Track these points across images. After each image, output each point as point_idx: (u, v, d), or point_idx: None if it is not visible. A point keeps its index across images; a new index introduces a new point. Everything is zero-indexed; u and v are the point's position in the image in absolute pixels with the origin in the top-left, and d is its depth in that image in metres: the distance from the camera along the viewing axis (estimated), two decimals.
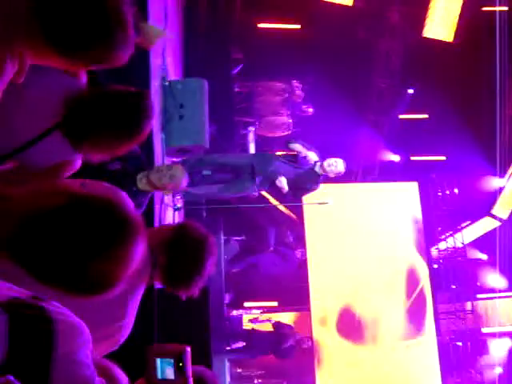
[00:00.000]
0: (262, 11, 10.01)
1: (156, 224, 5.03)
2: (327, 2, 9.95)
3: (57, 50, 1.58)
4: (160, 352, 1.51)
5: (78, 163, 2.12)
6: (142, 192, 4.17)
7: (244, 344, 8.07)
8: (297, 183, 5.84)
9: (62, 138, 1.96)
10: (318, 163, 5.83)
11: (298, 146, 5.91)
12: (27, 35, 1.56)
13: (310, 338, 8.18)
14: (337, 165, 5.80)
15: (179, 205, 5.85)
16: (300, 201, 6.55)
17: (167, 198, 5.44)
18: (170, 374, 1.49)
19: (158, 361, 1.48)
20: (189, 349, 1.52)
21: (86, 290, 1.24)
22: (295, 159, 5.92)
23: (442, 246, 11.04)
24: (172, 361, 1.48)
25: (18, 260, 1.18)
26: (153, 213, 4.84)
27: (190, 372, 1.51)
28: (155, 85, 5.29)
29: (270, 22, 10.30)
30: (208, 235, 2.01)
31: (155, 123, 5.17)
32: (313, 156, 5.83)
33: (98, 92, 1.97)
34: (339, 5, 9.97)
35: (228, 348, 7.98)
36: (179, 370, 1.49)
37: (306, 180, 5.88)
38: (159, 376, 1.48)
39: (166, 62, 5.71)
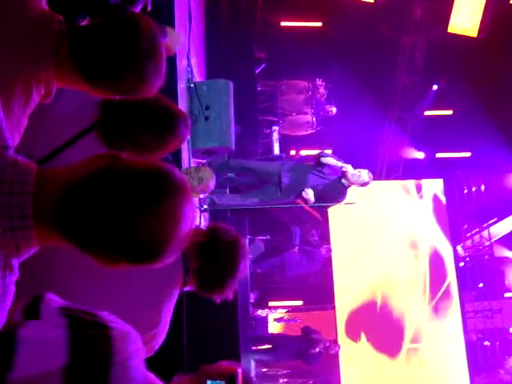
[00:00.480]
0: (283, 9, 9.98)
1: None
2: (352, 2, 9.88)
3: (85, 78, 1.58)
4: (210, 373, 1.48)
5: None
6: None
7: (270, 346, 8.05)
8: (323, 195, 5.81)
9: (97, 140, 1.95)
10: (346, 176, 5.77)
11: (331, 160, 5.87)
12: (56, 61, 1.56)
13: (337, 343, 8.11)
14: (360, 174, 5.75)
15: (205, 206, 5.85)
16: (326, 211, 6.49)
17: (194, 200, 5.44)
18: None
19: (209, 383, 1.45)
20: (240, 370, 1.49)
21: (137, 254, 1.17)
22: (321, 170, 5.88)
23: (469, 243, 10.91)
24: (223, 383, 1.45)
25: (64, 229, 1.14)
26: None
27: None
28: (181, 87, 5.29)
29: (291, 20, 10.26)
30: (239, 237, 1.98)
31: None
32: (350, 168, 5.78)
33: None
34: (361, 1, 9.90)
35: (254, 348, 7.96)
36: None
37: (333, 191, 5.85)
38: None
39: (191, 63, 5.71)
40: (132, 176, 1.17)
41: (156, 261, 1.20)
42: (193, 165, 5.52)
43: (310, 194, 5.67)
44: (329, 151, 8.94)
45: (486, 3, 9.62)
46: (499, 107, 10.35)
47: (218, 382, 1.47)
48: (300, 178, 5.84)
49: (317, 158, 5.97)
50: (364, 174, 5.79)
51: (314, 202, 5.74)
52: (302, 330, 7.92)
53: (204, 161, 5.88)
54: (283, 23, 10.22)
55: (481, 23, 9.67)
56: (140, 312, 1.78)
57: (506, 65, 9.96)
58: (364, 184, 5.82)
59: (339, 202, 5.97)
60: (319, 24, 10.22)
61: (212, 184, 4.41)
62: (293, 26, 10.22)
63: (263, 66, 8.86)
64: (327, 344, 7.59)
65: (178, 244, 1.20)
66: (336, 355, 8.90)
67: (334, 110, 8.84)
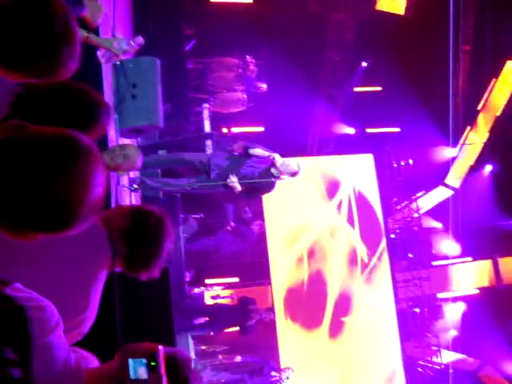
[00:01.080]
0: None
1: (113, 205, 4.97)
2: None
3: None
4: (132, 352, 1.51)
5: None
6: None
7: (207, 319, 8.12)
8: (253, 185, 5.81)
9: None
10: (275, 165, 5.78)
11: (259, 151, 5.86)
12: None
13: (272, 310, 8.27)
14: (289, 164, 5.78)
15: (136, 185, 5.79)
16: (253, 201, 6.50)
17: (123, 179, 5.38)
18: (142, 374, 1.48)
19: (131, 361, 1.47)
20: (162, 348, 1.52)
21: (49, 222, 1.15)
22: (250, 160, 5.87)
23: (399, 216, 11.29)
24: (145, 360, 1.48)
25: None
26: (109, 195, 4.78)
27: (163, 371, 1.50)
28: (107, 65, 5.17)
29: None
30: (163, 216, 1.98)
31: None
32: (277, 157, 5.78)
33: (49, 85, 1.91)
34: None
35: (191, 324, 8.01)
36: (152, 370, 1.48)
37: (262, 181, 5.85)
38: (132, 376, 1.48)
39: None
40: (38, 143, 1.14)
41: (68, 228, 1.19)
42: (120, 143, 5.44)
43: (233, 180, 5.66)
44: (261, 128, 9.01)
45: None
46: (426, 84, 10.67)
47: (139, 359, 1.49)
48: (228, 168, 5.83)
49: (244, 149, 5.95)
50: (293, 163, 5.82)
51: (242, 192, 5.75)
52: (238, 300, 8.02)
53: (133, 139, 5.81)
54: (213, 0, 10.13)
55: (407, 1, 9.90)
56: (68, 297, 1.75)
57: (431, 42, 10.25)
58: (294, 174, 5.85)
59: (269, 191, 6.02)
60: (250, 0, 10.19)
61: (139, 161, 4.36)
62: (223, 2, 10.15)
63: (193, 43, 8.76)
64: (263, 314, 7.73)
65: (89, 210, 1.19)
66: (273, 328, 9.09)
67: (265, 86, 8.88)
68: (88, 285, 1.82)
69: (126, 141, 5.71)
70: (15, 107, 1.85)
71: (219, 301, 8.82)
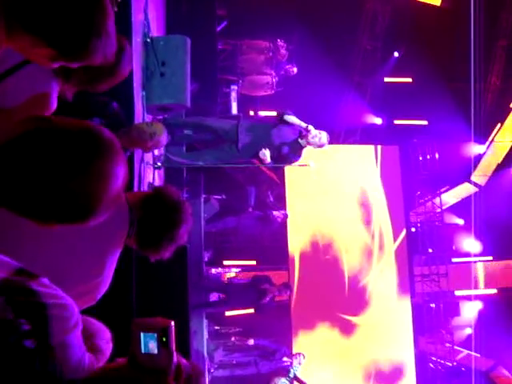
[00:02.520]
0: None
1: (136, 182, 5.01)
2: None
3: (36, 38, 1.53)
4: (144, 326, 1.51)
5: (54, 104, 2.05)
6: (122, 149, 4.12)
7: (222, 297, 8.18)
8: (279, 153, 5.81)
9: (37, 71, 1.85)
10: (306, 136, 5.76)
11: (293, 118, 5.84)
12: (6, 25, 1.50)
13: (289, 287, 8.27)
14: (321, 136, 5.77)
15: (159, 163, 5.82)
16: (282, 172, 6.49)
17: (147, 156, 5.41)
18: (153, 348, 1.47)
19: (142, 335, 1.48)
20: (173, 323, 1.52)
21: (69, 215, 1.18)
22: (280, 129, 5.85)
23: (421, 209, 11.19)
24: (155, 335, 1.48)
25: None
26: (132, 171, 4.81)
27: (173, 347, 1.51)
28: (137, 40, 5.18)
29: None
30: (184, 202, 1.99)
31: (136, 80, 5.09)
32: (312, 128, 5.76)
33: None
34: None
35: (206, 301, 8.08)
36: (163, 345, 1.48)
37: (289, 150, 5.85)
38: (143, 350, 1.48)
39: (148, 17, 5.58)
40: (65, 136, 1.16)
41: (88, 220, 1.22)
42: (147, 120, 5.47)
43: (266, 154, 5.67)
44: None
45: None
46: (457, 78, 10.48)
47: (151, 334, 1.50)
48: (257, 137, 5.83)
49: (280, 115, 5.92)
50: (324, 136, 5.80)
51: (270, 162, 5.77)
52: (252, 279, 8.05)
53: (160, 117, 5.82)
54: None
55: None
56: (86, 261, 1.79)
57: (466, 36, 10.05)
58: (321, 145, 5.83)
59: (294, 162, 6.01)
60: None
61: (164, 139, 4.38)
62: None
63: (224, 23, 8.72)
64: (276, 293, 7.75)
65: (108, 203, 1.22)
66: (288, 313, 9.12)
67: (295, 69, 8.80)
68: (106, 250, 1.84)
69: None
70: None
71: (234, 279, 8.87)
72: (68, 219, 1.20)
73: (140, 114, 5.28)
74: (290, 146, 5.86)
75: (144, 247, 1.93)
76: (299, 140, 5.80)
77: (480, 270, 11.72)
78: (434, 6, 9.92)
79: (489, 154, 11.77)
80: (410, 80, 10.83)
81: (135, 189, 4.93)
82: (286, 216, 8.73)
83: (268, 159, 5.72)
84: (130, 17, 4.80)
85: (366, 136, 10.57)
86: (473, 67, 10.22)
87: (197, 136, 6.38)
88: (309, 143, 5.78)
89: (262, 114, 9.40)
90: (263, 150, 5.68)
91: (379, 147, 10.36)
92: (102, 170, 1.18)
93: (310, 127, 5.73)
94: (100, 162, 1.18)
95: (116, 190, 1.22)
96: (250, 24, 9.02)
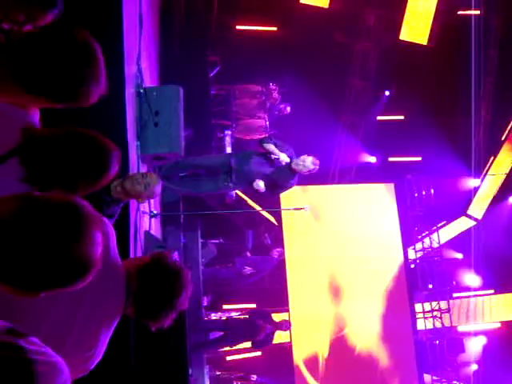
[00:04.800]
0: (239, 13, 10.02)
1: (132, 231, 5.02)
2: (304, 4, 10.01)
3: (22, 87, 1.59)
4: None
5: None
6: (115, 201, 4.15)
7: (219, 334, 8.09)
8: (273, 180, 5.90)
9: (17, 168, 1.81)
10: (292, 162, 5.88)
11: (271, 147, 5.95)
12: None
13: (288, 322, 8.19)
14: (304, 163, 5.82)
15: (155, 211, 5.85)
16: (277, 198, 6.61)
17: (143, 205, 5.43)
18: None
19: None
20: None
21: (59, 281, 1.27)
22: (269, 155, 5.98)
23: (419, 246, 11.18)
24: None
25: None
26: (128, 221, 4.83)
27: None
28: (130, 92, 5.27)
29: (247, 24, 10.32)
30: (183, 268, 1.92)
31: (130, 130, 5.16)
32: (284, 158, 5.89)
33: (61, 132, 1.86)
34: (316, 7, 10.04)
35: (204, 341, 7.99)
36: None
37: (282, 177, 5.94)
38: None
39: (141, 68, 5.69)
40: (49, 213, 1.24)
41: (76, 285, 1.30)
42: (142, 170, 5.51)
43: (260, 184, 5.76)
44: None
45: (435, 13, 9.90)
46: (448, 113, 10.64)
47: None
48: (250, 166, 5.94)
49: (260, 143, 6.07)
50: (308, 161, 5.84)
51: (267, 189, 5.84)
52: (249, 314, 7.99)
53: (156, 165, 5.88)
54: (238, 27, 10.27)
55: (430, 31, 9.93)
56: (81, 333, 1.76)
57: (454, 72, 10.24)
58: (310, 171, 5.88)
59: (289, 187, 6.09)
60: (274, 28, 10.32)
61: (158, 189, 4.41)
62: (248, 29, 10.28)
63: (217, 69, 8.88)
64: (274, 329, 7.68)
65: (95, 266, 1.30)
66: (290, 354, 9.01)
67: (289, 108, 8.92)
68: (101, 324, 1.81)
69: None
70: (21, 149, 1.80)
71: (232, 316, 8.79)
72: (58, 284, 1.27)
73: (135, 164, 5.33)
74: (280, 171, 5.91)
75: (142, 318, 1.88)
76: (290, 166, 5.87)
77: (482, 304, 11.64)
78: (422, 46, 10.13)
79: (484, 187, 11.85)
80: (402, 117, 10.97)
81: (131, 238, 4.94)
82: (282, 253, 8.73)
83: (262, 188, 5.80)
84: (123, 70, 4.89)
85: (361, 175, 10.64)
86: (463, 103, 10.39)
87: (192, 176, 6.49)
88: (297, 171, 5.85)
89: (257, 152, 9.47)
90: (256, 181, 5.76)
91: (375, 185, 10.42)
92: (88, 237, 1.28)
93: (280, 156, 5.79)
94: (86, 230, 1.27)
95: (99, 253, 1.31)
96: (243, 69, 9.19)
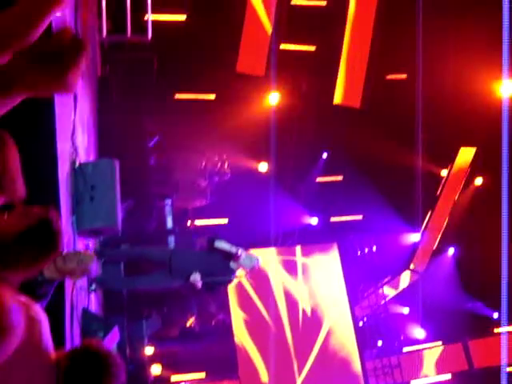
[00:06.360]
0: (177, 82, 10.22)
1: (67, 310, 4.91)
2: (241, 74, 10.32)
3: None
4: None
5: None
6: (48, 280, 4.08)
7: None
8: (212, 279, 5.87)
9: None
10: (238, 259, 5.88)
11: (223, 244, 5.92)
12: None
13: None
14: (251, 260, 5.88)
15: (94, 286, 5.76)
16: (213, 294, 6.57)
17: (80, 281, 5.34)
18: None
19: None
20: None
21: None
22: (212, 253, 5.94)
23: (365, 303, 11.29)
24: None
25: None
26: (63, 299, 4.73)
27: None
28: (65, 169, 5.27)
29: (185, 93, 10.52)
30: (114, 356, 1.91)
31: (64, 206, 5.13)
32: (242, 252, 5.87)
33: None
34: (252, 75, 10.37)
35: None
36: None
37: (222, 276, 5.91)
38: None
39: (75, 144, 5.71)
40: None
41: None
42: (79, 245, 5.46)
43: (197, 278, 5.71)
44: (225, 220, 9.09)
45: (365, 78, 10.40)
46: (385, 171, 11.01)
47: None
48: (189, 264, 5.88)
49: (210, 241, 6.00)
50: (254, 259, 5.93)
51: (202, 286, 5.79)
52: None
53: (90, 242, 5.83)
54: (177, 95, 10.47)
55: (362, 95, 10.40)
56: None
57: (388, 131, 10.69)
58: (253, 268, 5.95)
59: (228, 285, 6.08)
60: (212, 97, 10.57)
61: (93, 267, 4.37)
62: (186, 98, 10.49)
63: (156, 139, 8.99)
64: None
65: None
66: None
67: (228, 175, 9.04)
68: None
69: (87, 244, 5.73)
70: None
71: None
72: None
73: (71, 241, 5.27)
74: (222, 271, 5.91)
75: None
76: (231, 264, 5.87)
77: (431, 356, 11.74)
78: (354, 108, 10.57)
79: (424, 241, 12.19)
80: (340, 178, 11.29)
81: (67, 317, 4.83)
82: (226, 320, 8.65)
83: (199, 285, 5.75)
84: (55, 147, 4.89)
85: (304, 237, 10.77)
86: (399, 160, 10.81)
87: (132, 267, 6.48)
88: (240, 266, 5.87)
89: (199, 223, 9.52)
90: (194, 274, 5.72)
91: (318, 246, 10.55)
92: None
93: (241, 252, 5.84)
94: None
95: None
96: (182, 137, 9.32)
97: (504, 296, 9.19)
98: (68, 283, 4.98)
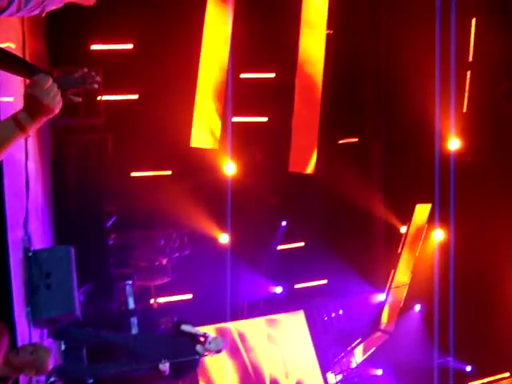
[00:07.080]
0: (132, 159, 10.23)
1: None
2: (197, 149, 10.42)
3: None
4: None
5: None
6: (2, 379, 3.92)
7: None
8: (179, 364, 5.83)
9: None
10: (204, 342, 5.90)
11: (189, 327, 5.98)
12: None
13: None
14: (217, 344, 5.95)
15: (53, 378, 5.51)
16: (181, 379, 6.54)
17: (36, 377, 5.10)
18: None
19: None
20: None
21: None
22: (178, 337, 5.93)
23: (337, 369, 11.10)
24: None
25: None
26: None
27: None
28: (17, 258, 5.13)
29: (141, 170, 10.52)
30: None
31: (17, 297, 4.96)
32: (209, 335, 5.96)
33: None
34: (209, 150, 10.48)
35: None
36: None
37: (188, 357, 5.89)
38: None
39: (29, 231, 5.60)
40: None
41: None
42: (33, 338, 5.25)
43: (166, 366, 5.68)
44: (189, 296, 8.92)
45: (318, 143, 10.64)
46: (345, 234, 11.11)
47: None
48: (155, 349, 5.83)
49: (175, 325, 6.03)
50: (220, 343, 5.98)
51: (170, 372, 5.72)
52: None
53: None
54: (133, 173, 10.46)
55: (316, 161, 10.60)
56: None
57: (345, 193, 10.85)
58: (219, 351, 6.00)
59: (195, 369, 6.05)
60: (169, 172, 10.60)
61: (50, 362, 4.20)
62: (143, 175, 10.49)
63: (114, 218, 8.91)
64: None
65: None
66: None
67: (188, 251, 8.97)
68: None
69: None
70: None
71: None
72: None
73: (26, 333, 5.07)
74: (188, 355, 5.88)
75: None
76: (197, 348, 5.87)
77: None
78: (309, 175, 10.74)
79: (390, 300, 12.19)
80: (302, 244, 11.32)
81: None
82: None
83: (167, 370, 5.70)
84: (6, 236, 4.78)
85: (269, 306, 10.66)
86: (358, 223, 10.94)
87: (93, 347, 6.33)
88: (206, 350, 5.88)
89: (162, 301, 9.33)
90: (163, 362, 5.63)
91: (284, 315, 10.43)
92: None
93: (207, 335, 5.91)
94: None
95: None
96: (140, 215, 9.25)
97: None
98: (23, 379, 4.76)
